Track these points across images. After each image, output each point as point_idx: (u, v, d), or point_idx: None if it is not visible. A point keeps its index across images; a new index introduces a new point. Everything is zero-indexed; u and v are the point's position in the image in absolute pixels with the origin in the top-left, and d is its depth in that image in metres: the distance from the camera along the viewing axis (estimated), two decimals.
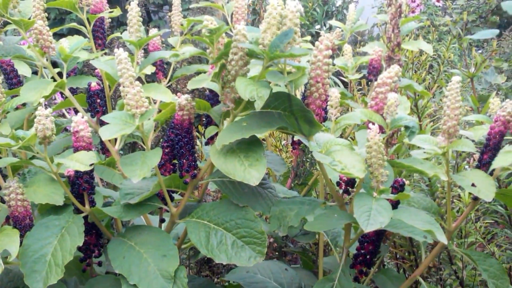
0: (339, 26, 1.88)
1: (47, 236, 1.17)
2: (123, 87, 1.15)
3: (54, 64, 1.41)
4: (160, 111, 1.33)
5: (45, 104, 1.14)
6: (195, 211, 1.24)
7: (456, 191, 1.64)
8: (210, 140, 1.29)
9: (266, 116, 1.17)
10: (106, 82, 1.47)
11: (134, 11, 1.37)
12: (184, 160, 1.24)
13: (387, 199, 1.10)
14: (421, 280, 1.30)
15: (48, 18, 1.39)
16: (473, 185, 1.16)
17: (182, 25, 1.54)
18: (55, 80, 1.35)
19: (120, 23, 5.38)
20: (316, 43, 1.17)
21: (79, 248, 1.21)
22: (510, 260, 1.71)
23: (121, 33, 1.55)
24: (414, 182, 1.75)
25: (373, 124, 1.10)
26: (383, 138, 1.13)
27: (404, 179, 1.24)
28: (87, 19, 1.49)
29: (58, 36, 1.39)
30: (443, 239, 1.09)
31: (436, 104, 2.25)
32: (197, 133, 2.05)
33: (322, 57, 1.16)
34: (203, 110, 1.25)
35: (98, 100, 1.42)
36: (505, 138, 1.22)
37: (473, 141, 1.22)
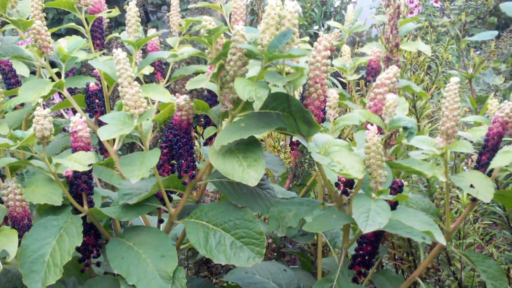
0: (338, 27, 1.88)
1: (45, 236, 1.17)
2: (122, 87, 1.15)
3: (53, 64, 1.41)
4: (158, 111, 1.33)
5: (43, 104, 1.14)
6: (194, 212, 1.24)
7: (455, 192, 1.64)
8: (209, 141, 1.29)
9: (264, 117, 1.17)
10: (104, 82, 1.47)
11: (132, 11, 1.37)
12: (183, 161, 1.24)
13: (386, 200, 1.10)
14: (419, 281, 1.30)
15: (46, 18, 1.39)
16: (471, 186, 1.16)
17: (180, 25, 1.54)
18: (53, 80, 1.35)
19: (118, 23, 5.38)
20: (315, 43, 1.17)
21: (77, 249, 1.21)
22: (508, 261, 1.71)
23: (119, 33, 1.55)
24: (412, 183, 1.76)
25: (372, 125, 1.10)
26: (382, 139, 1.13)
27: (402, 180, 1.24)
28: (86, 19, 1.49)
29: (56, 36, 1.39)
30: (441, 240, 1.09)
31: (434, 105, 2.26)
32: (195, 134, 2.05)
33: (320, 58, 1.16)
34: (201, 110, 1.25)
35: (97, 100, 1.42)
36: (503, 139, 1.22)
37: (471, 142, 1.23)
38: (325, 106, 1.22)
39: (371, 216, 1.04)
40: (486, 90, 2.34)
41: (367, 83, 1.69)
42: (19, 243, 1.14)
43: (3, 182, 1.21)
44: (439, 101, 2.24)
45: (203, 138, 1.30)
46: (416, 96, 1.77)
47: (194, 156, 1.26)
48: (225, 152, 1.16)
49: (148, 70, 1.47)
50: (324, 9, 5.77)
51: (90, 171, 1.21)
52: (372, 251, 1.27)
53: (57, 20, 5.34)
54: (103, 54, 1.53)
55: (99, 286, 1.23)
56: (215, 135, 1.26)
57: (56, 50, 1.36)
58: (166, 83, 1.54)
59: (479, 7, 4.06)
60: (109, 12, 1.52)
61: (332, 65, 1.71)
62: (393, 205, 1.19)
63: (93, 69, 1.55)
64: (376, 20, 1.85)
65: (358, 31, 1.89)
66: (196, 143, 1.94)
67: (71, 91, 1.54)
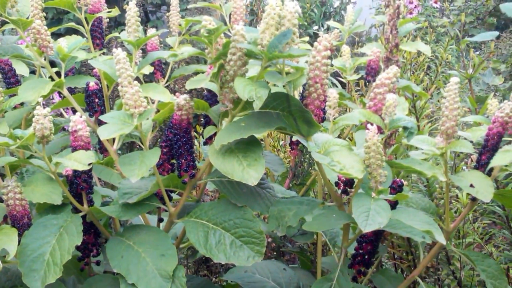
0: (337, 27, 1.88)
1: (45, 235, 1.17)
2: (122, 86, 1.15)
3: (52, 64, 1.41)
4: (158, 111, 1.33)
5: (43, 104, 1.14)
6: (194, 211, 1.25)
7: (454, 191, 1.64)
8: (209, 140, 1.29)
9: (264, 116, 1.17)
10: (104, 82, 1.47)
11: (132, 11, 1.37)
12: (183, 160, 1.24)
13: (386, 200, 1.10)
14: (419, 280, 1.31)
15: (45, 18, 1.39)
16: (471, 185, 1.16)
17: (180, 25, 1.54)
18: (53, 80, 1.35)
19: (118, 23, 5.37)
20: (315, 43, 1.17)
21: (77, 247, 1.21)
22: (508, 261, 1.71)
23: (119, 33, 1.55)
24: (412, 183, 1.76)
25: (372, 124, 1.10)
26: (382, 139, 1.13)
27: (402, 180, 1.24)
28: (85, 18, 1.49)
29: (55, 35, 1.39)
30: (441, 239, 1.09)
31: (434, 105, 2.26)
32: (195, 133, 2.05)
33: (320, 58, 1.16)
34: (201, 110, 1.25)
35: (96, 100, 1.42)
36: (503, 139, 1.22)
37: (471, 142, 1.23)
38: (325, 106, 1.22)
39: (371, 216, 1.04)
40: (486, 90, 2.34)
41: (367, 83, 1.69)
42: (19, 242, 1.14)
43: (3, 181, 1.21)
44: (438, 101, 2.25)
45: (203, 138, 1.30)
46: (416, 96, 1.77)
47: (194, 155, 1.26)
48: (225, 151, 1.16)
49: (148, 69, 1.47)
50: (323, 9, 5.77)
51: (90, 170, 1.21)
52: (372, 250, 1.28)
53: (56, 19, 5.34)
54: (103, 53, 1.53)
55: (98, 285, 1.23)
56: (215, 134, 1.26)
57: (56, 49, 1.36)
58: (166, 82, 1.54)
59: (478, 8, 4.07)
60: (109, 12, 1.52)
61: (332, 65, 1.71)
62: (393, 205, 1.19)
63: (93, 69, 1.55)
64: (376, 20, 1.86)
65: (357, 31, 1.89)
66: (196, 142, 1.94)
67: (71, 90, 1.54)
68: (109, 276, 1.26)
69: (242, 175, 1.12)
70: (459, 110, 1.17)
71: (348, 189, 1.23)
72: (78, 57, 1.42)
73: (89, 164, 1.15)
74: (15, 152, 1.39)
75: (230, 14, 1.56)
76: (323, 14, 5.78)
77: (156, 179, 1.23)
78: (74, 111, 1.50)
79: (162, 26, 5.72)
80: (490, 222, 1.78)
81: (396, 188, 1.22)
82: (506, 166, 1.21)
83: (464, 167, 1.64)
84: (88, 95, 1.43)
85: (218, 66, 1.19)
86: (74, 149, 1.19)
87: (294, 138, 1.30)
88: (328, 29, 5.26)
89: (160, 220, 1.39)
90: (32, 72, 1.59)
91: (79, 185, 1.21)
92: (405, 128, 1.16)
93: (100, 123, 1.33)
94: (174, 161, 1.30)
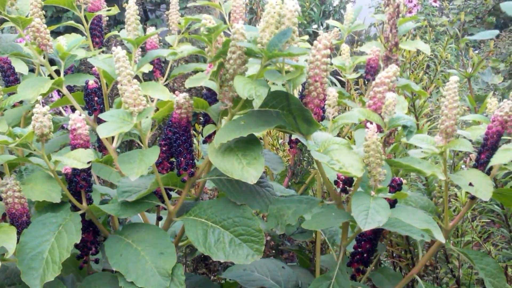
0: (337, 26, 1.88)
1: (44, 233, 1.17)
2: (121, 85, 1.15)
3: (51, 62, 1.41)
4: (157, 109, 1.33)
5: (42, 102, 1.14)
6: (193, 209, 1.25)
7: (453, 190, 1.65)
8: (208, 139, 1.29)
9: (264, 115, 1.17)
10: (103, 80, 1.47)
11: (132, 9, 1.37)
12: (182, 158, 1.24)
13: (385, 198, 1.10)
14: (418, 278, 1.31)
15: (44, 16, 1.39)
16: (470, 184, 1.16)
17: (179, 23, 1.54)
18: (52, 78, 1.35)
19: (117, 21, 5.37)
20: (315, 42, 1.17)
21: (76, 246, 1.21)
22: (506, 259, 1.71)
23: (118, 32, 1.54)
24: (410, 181, 1.76)
25: (371, 123, 1.10)
26: (381, 138, 1.14)
27: (401, 178, 1.24)
28: (85, 17, 1.49)
29: (54, 34, 1.39)
30: (440, 238, 1.09)
31: (433, 104, 2.26)
32: (193, 132, 2.05)
33: (320, 57, 1.16)
34: (201, 108, 1.25)
35: (96, 98, 1.42)
36: (502, 138, 1.22)
37: (470, 140, 1.23)
38: (325, 104, 1.22)
39: (370, 214, 1.04)
40: (485, 89, 2.34)
41: (366, 82, 1.69)
42: (18, 240, 1.14)
43: (2, 179, 1.21)
44: (437, 100, 2.25)
45: (202, 136, 1.30)
46: (415, 95, 1.77)
47: (193, 153, 1.26)
48: (225, 150, 1.16)
49: (147, 68, 1.47)
50: (323, 8, 5.77)
51: (89, 168, 1.21)
52: (370, 249, 1.28)
53: (55, 18, 5.34)
54: (102, 52, 1.53)
55: (97, 283, 1.23)
56: (214, 133, 1.26)
57: (55, 48, 1.36)
58: (165, 81, 1.54)
59: (478, 7, 4.07)
60: (108, 10, 1.52)
61: (331, 64, 1.71)
62: (392, 203, 1.19)
63: (92, 67, 1.55)
64: (376, 19, 1.86)
65: (357, 30, 1.89)
66: (195, 140, 1.94)
67: (70, 89, 1.54)
68: (108, 274, 1.26)
69: (242, 174, 1.12)
70: (459, 109, 1.17)
71: (347, 188, 1.23)
72: (77, 55, 1.42)
73: (88, 163, 1.15)
74: (14, 150, 1.39)
75: (229, 13, 1.56)
76: (322, 13, 5.78)
77: (155, 177, 1.23)
78: (73, 110, 1.50)
79: (161, 25, 5.71)
80: (489, 220, 1.78)
81: (395, 186, 1.22)
82: (505, 164, 1.21)
83: (463, 166, 1.64)
84: (88, 94, 1.43)
85: (218, 65, 1.19)
86: (73, 147, 1.19)
87: (293, 137, 1.30)
88: (327, 28, 5.26)
89: (159, 218, 1.39)
90: (31, 70, 1.59)
91: (78, 183, 1.21)
92: (404, 127, 1.16)
93: (99, 121, 1.33)
94: (173, 159, 1.30)
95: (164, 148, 1.29)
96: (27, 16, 1.34)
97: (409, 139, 1.17)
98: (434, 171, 1.16)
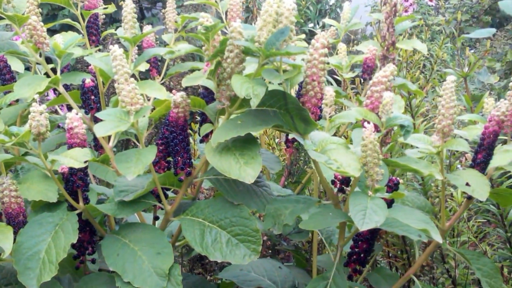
0: (333, 25, 1.88)
1: (40, 233, 1.16)
2: (118, 84, 1.14)
3: (48, 60, 1.40)
4: (154, 108, 1.33)
5: (38, 101, 1.13)
6: (190, 209, 1.24)
7: (449, 190, 1.65)
8: (205, 138, 1.29)
9: (261, 114, 1.17)
10: (100, 79, 1.46)
11: (129, 7, 1.36)
12: (179, 158, 1.24)
13: (382, 198, 1.10)
14: (415, 279, 1.31)
15: (40, 14, 1.38)
16: (467, 184, 1.16)
17: (176, 22, 1.53)
18: (49, 76, 1.34)
19: (113, 19, 5.35)
20: (312, 41, 1.17)
21: (72, 246, 1.20)
22: (502, 259, 1.72)
23: (115, 30, 1.54)
24: (407, 181, 1.76)
25: (369, 123, 1.10)
26: (378, 137, 1.13)
27: (398, 178, 1.25)
28: (81, 15, 1.48)
29: (50, 32, 1.38)
30: (438, 238, 1.09)
31: (429, 103, 2.26)
32: (190, 131, 2.05)
33: (318, 56, 1.16)
34: (198, 107, 1.25)
35: (93, 97, 1.41)
36: (498, 137, 1.22)
37: (467, 140, 1.23)
38: (322, 103, 1.22)
39: (368, 214, 1.04)
40: (481, 88, 2.35)
41: (363, 81, 1.69)
42: (14, 239, 1.13)
43: None
44: (433, 99, 2.25)
45: (199, 135, 1.30)
46: (411, 95, 1.77)
47: (190, 153, 1.26)
48: (222, 149, 1.16)
49: (144, 66, 1.46)
50: (319, 6, 5.77)
51: (86, 167, 1.20)
52: (367, 249, 1.28)
53: (51, 16, 5.31)
54: (99, 50, 1.52)
55: (94, 283, 1.22)
56: (211, 132, 1.26)
57: (52, 46, 1.35)
58: (162, 80, 1.53)
59: (474, 6, 4.08)
60: (105, 8, 1.51)
61: (328, 63, 1.71)
62: (389, 203, 1.19)
63: (88, 66, 1.54)
64: (372, 18, 1.86)
65: (353, 29, 1.89)
66: (191, 140, 1.93)
67: (66, 87, 1.53)
68: (105, 274, 1.25)
69: (239, 173, 1.11)
70: (456, 108, 1.17)
71: (345, 188, 1.23)
72: (74, 53, 1.41)
73: (85, 162, 1.14)
74: (10, 149, 1.38)
75: (226, 11, 1.56)
76: (318, 12, 5.78)
77: (152, 176, 1.22)
78: (69, 108, 1.49)
79: (157, 23, 5.70)
80: (484, 220, 1.78)
81: (392, 186, 1.22)
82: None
83: (458, 166, 1.65)
84: (84, 92, 1.42)
85: (215, 64, 1.18)
86: (70, 146, 1.19)
87: (290, 136, 1.29)
88: (323, 26, 5.26)
89: (156, 218, 1.38)
90: (27, 68, 1.58)
91: (75, 182, 1.21)
92: (401, 127, 1.16)
93: (96, 120, 1.33)
94: (170, 158, 1.30)
95: (161, 147, 1.29)
96: (23, 14, 1.33)
97: (406, 139, 1.17)
98: (431, 171, 1.16)
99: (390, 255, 1.71)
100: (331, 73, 1.90)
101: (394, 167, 1.23)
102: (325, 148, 1.14)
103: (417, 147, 1.22)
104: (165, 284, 1.13)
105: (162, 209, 1.30)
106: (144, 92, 1.24)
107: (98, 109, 1.43)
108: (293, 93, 1.31)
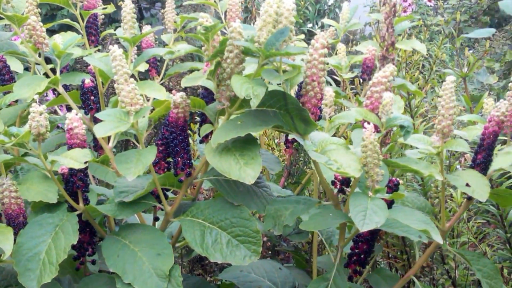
0: (333, 25, 1.88)
1: (41, 234, 1.16)
2: (118, 84, 1.14)
3: (47, 61, 1.40)
4: (153, 109, 1.33)
5: (38, 101, 1.13)
6: (190, 210, 1.24)
7: (449, 191, 1.65)
8: (205, 138, 1.29)
9: (261, 115, 1.17)
10: (99, 79, 1.46)
11: (128, 7, 1.36)
12: (179, 158, 1.23)
13: (382, 199, 1.10)
14: (415, 280, 1.31)
15: (39, 14, 1.38)
16: (467, 185, 1.16)
17: (175, 22, 1.53)
18: (48, 77, 1.34)
19: (112, 20, 5.35)
20: (312, 41, 1.16)
21: (73, 247, 1.20)
22: (502, 260, 1.72)
23: (114, 30, 1.54)
24: (406, 182, 1.76)
25: (369, 123, 1.10)
26: (378, 138, 1.13)
27: (398, 179, 1.24)
28: (80, 15, 1.48)
29: (49, 32, 1.37)
30: (438, 239, 1.09)
31: (428, 103, 2.26)
32: (189, 131, 2.05)
33: (318, 56, 1.15)
34: (197, 108, 1.25)
35: (92, 97, 1.41)
36: (498, 138, 1.22)
37: (466, 140, 1.23)
38: (322, 104, 1.22)
39: (368, 215, 1.04)
40: (480, 89, 2.35)
41: (362, 81, 1.69)
42: (14, 240, 1.13)
43: None
44: (433, 99, 2.25)
45: (198, 136, 1.30)
46: (411, 95, 1.77)
47: (190, 153, 1.26)
48: (222, 150, 1.15)
49: (143, 67, 1.46)
50: (318, 7, 5.77)
51: (86, 168, 1.20)
52: (368, 250, 1.28)
53: (50, 16, 5.31)
54: (98, 50, 1.52)
55: (94, 284, 1.22)
56: (211, 133, 1.25)
57: (51, 46, 1.35)
58: (161, 80, 1.53)
59: (472, 6, 4.08)
60: (104, 8, 1.51)
61: (327, 63, 1.71)
62: (389, 204, 1.19)
63: (87, 66, 1.54)
64: (371, 18, 1.86)
65: (352, 29, 1.89)
66: (190, 140, 1.93)
67: (66, 87, 1.53)
68: (105, 275, 1.25)
69: (239, 174, 1.11)
70: (455, 109, 1.17)
71: (345, 188, 1.23)
72: (74, 54, 1.41)
73: (85, 162, 1.14)
74: (9, 150, 1.38)
75: (225, 12, 1.56)
76: (317, 12, 5.78)
77: (152, 177, 1.22)
78: (68, 109, 1.49)
79: (156, 23, 5.70)
80: (484, 221, 1.78)
81: (392, 187, 1.22)
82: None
83: (458, 166, 1.65)
84: (84, 92, 1.42)
85: (215, 64, 1.18)
86: (70, 147, 1.19)
87: (290, 137, 1.29)
88: (322, 26, 5.26)
89: (156, 219, 1.38)
90: (26, 68, 1.58)
91: (75, 183, 1.21)
92: (401, 127, 1.16)
93: (96, 120, 1.32)
94: (170, 159, 1.30)
95: (161, 148, 1.28)
96: (22, 14, 1.33)
97: (406, 139, 1.16)
98: (431, 171, 1.16)
99: (390, 256, 1.71)
100: (330, 73, 1.90)
101: (394, 167, 1.23)
102: (325, 148, 1.14)
103: (417, 148, 1.21)
104: (166, 285, 1.13)
105: (162, 210, 1.30)
106: (143, 93, 1.24)
107: (98, 110, 1.43)
108: (293, 93, 1.31)
